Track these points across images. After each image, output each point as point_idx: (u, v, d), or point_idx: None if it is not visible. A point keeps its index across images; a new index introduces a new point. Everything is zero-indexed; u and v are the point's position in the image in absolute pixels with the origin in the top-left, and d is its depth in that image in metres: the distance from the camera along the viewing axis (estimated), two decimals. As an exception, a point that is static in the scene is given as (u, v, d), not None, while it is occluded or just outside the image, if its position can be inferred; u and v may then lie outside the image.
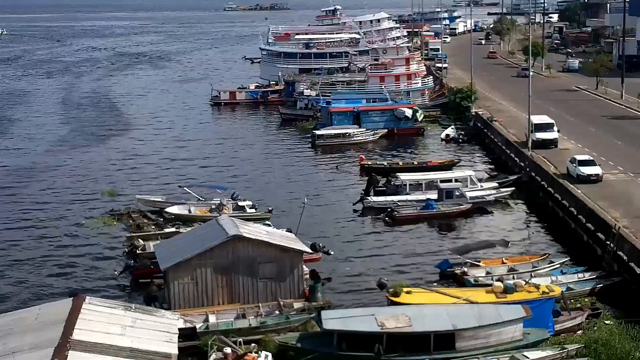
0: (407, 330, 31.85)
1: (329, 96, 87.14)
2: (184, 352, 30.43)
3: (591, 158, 54.48)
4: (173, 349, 27.02)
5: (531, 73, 68.77)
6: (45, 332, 26.93)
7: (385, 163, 65.89)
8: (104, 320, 28.10)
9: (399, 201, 53.29)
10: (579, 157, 54.40)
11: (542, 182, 54.19)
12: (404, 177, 55.93)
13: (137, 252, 43.75)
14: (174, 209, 52.76)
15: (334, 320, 32.52)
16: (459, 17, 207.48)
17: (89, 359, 24.82)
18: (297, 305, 36.58)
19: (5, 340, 27.13)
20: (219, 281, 36.12)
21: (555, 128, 63.86)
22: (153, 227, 50.71)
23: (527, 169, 58.01)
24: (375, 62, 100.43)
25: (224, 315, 35.68)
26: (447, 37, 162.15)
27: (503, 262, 42.60)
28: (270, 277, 36.61)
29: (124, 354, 25.73)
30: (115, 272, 43.29)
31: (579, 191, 49.36)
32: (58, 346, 25.33)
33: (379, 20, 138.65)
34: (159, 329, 28.50)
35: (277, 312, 36.05)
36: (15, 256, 46.85)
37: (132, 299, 37.43)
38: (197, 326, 34.42)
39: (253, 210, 52.15)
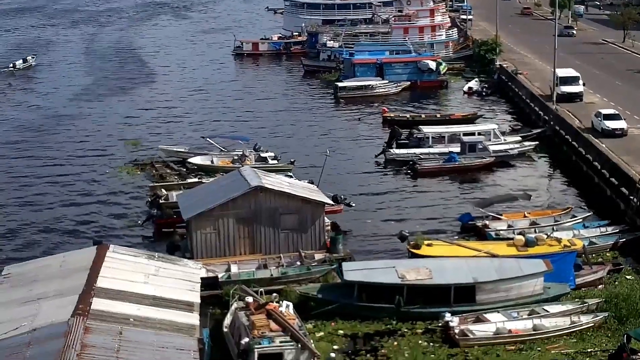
0: (427, 282, 31.86)
1: (352, 48, 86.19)
2: (206, 301, 30.61)
3: (616, 112, 53.72)
4: (196, 298, 27.21)
5: (557, 25, 67.25)
6: (70, 280, 27.19)
7: (408, 115, 65.31)
8: (127, 269, 28.30)
9: (421, 154, 52.91)
10: (604, 111, 53.61)
11: (566, 136, 53.55)
12: (427, 129, 55.50)
13: (160, 201, 43.91)
14: (196, 160, 52.80)
15: (355, 271, 32.57)
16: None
17: (112, 306, 25.04)
18: (318, 256, 36.63)
19: (30, 287, 27.45)
20: (240, 232, 36.20)
21: (580, 81, 62.82)
22: (176, 177, 50.87)
23: (551, 123, 57.29)
24: (399, 14, 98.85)
25: (245, 266, 35.84)
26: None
27: (525, 216, 42.32)
28: (292, 229, 36.62)
29: (147, 301, 25.94)
30: (139, 222, 43.55)
31: (603, 145, 48.75)
32: (82, 293, 25.60)
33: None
34: (182, 278, 28.68)
35: (298, 263, 36.13)
36: (40, 205, 47.25)
37: (155, 248, 37.62)
38: (219, 276, 34.64)
39: (275, 162, 52.04)
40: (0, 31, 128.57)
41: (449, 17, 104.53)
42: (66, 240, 41.87)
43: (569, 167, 50.94)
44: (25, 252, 38.91)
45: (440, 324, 31.03)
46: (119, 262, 28.81)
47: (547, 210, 43.31)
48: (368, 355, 29.50)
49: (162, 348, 23.19)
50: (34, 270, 29.21)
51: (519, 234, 37.87)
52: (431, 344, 30.12)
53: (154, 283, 27.60)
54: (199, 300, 27.18)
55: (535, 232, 38.70)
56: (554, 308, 31.83)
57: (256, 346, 25.82)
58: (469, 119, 62.32)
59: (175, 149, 54.87)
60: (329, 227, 38.91)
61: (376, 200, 46.85)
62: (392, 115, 64.48)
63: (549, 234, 37.50)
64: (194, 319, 25.64)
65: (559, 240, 36.10)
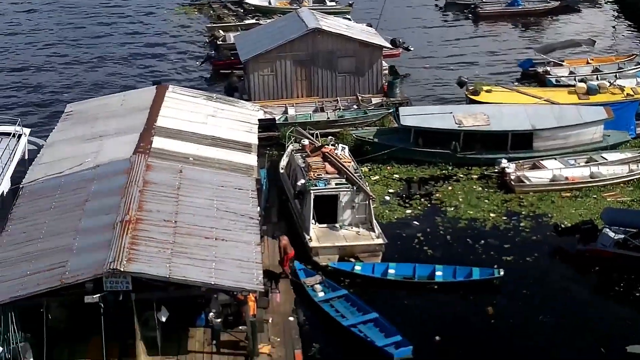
0: (484, 128, 31.36)
1: None
2: (264, 142, 30.68)
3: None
4: (253, 139, 27.18)
5: None
6: (130, 118, 27.28)
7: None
8: (186, 109, 28.25)
9: (483, -3, 51.04)
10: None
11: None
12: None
13: (218, 43, 43.43)
14: (254, 0, 51.67)
15: (412, 116, 32.13)
16: None
17: (172, 145, 25.17)
18: (375, 100, 36.14)
19: (92, 125, 27.65)
20: (298, 74, 35.72)
21: None
22: (233, 18, 50.06)
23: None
24: None
25: (302, 108, 35.58)
26: None
27: (588, 62, 40.80)
28: (349, 72, 35.98)
29: (206, 141, 25.99)
30: (197, 63, 43.29)
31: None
32: (143, 132, 25.67)
33: None
34: (240, 119, 28.57)
35: (355, 106, 35.75)
36: (98, 48, 47.19)
37: (213, 89, 37.52)
38: (276, 118, 34.60)
39: (333, 4, 50.70)
40: None
41: None
42: (125, 81, 41.99)
43: (637, 12, 48.43)
44: (87, 94, 39.16)
45: (496, 170, 30.75)
46: (178, 102, 28.71)
47: (611, 57, 41.63)
48: (422, 199, 29.59)
49: (221, 187, 23.35)
50: (95, 109, 29.32)
51: (581, 81, 36.89)
52: (486, 189, 30.02)
53: (213, 123, 27.55)
54: (256, 142, 27.10)
55: (597, 79, 37.41)
56: (612, 156, 31.12)
57: (312, 188, 25.89)
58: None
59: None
60: (387, 71, 38.13)
61: (435, 44, 45.63)
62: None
63: (611, 81, 36.24)
64: (251, 159, 25.66)
65: (621, 88, 35.01)
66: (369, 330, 21.72)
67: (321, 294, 23.41)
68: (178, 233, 20.47)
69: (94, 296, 18.64)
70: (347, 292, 23.40)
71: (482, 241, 26.54)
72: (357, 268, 24.68)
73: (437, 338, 21.58)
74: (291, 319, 21.88)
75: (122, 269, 18.31)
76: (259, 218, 22.68)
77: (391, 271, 24.45)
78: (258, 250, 20.68)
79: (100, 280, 18.54)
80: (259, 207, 23.23)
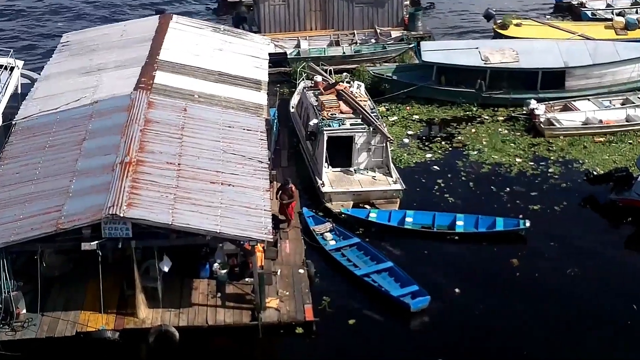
0: (513, 65, 30.84)
1: None
2: (274, 79, 30.42)
3: None
4: (263, 75, 26.73)
5: None
6: (131, 51, 26.85)
7: None
8: (191, 41, 27.74)
9: None
10: None
11: None
12: None
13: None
14: None
15: (434, 52, 31.60)
16: None
17: (176, 81, 24.82)
18: (395, 34, 35.48)
19: (90, 57, 27.25)
20: (312, 4, 35.09)
21: None
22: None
23: None
24: None
25: (316, 42, 35.06)
26: None
27: (627, -7, 39.93)
28: (367, 2, 35.35)
29: (213, 77, 25.60)
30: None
31: None
32: (145, 65, 25.32)
33: None
34: (249, 54, 28.09)
35: (373, 40, 35.14)
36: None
37: (220, 20, 36.86)
38: (288, 52, 34.06)
39: None
40: None
41: None
42: (126, 10, 41.28)
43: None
44: (85, 24, 38.51)
45: (524, 112, 30.39)
46: (183, 33, 28.21)
47: (653, -11, 40.62)
48: (444, 142, 29.34)
49: (228, 127, 23.07)
50: (93, 39, 28.85)
51: (619, 14, 36.04)
52: (512, 132, 29.73)
53: (220, 58, 27.09)
54: (266, 78, 26.72)
55: (637, 12, 36.59)
56: (650, 97, 30.54)
57: (325, 128, 25.60)
58: None
59: None
60: (408, 2, 37.34)
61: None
62: None
63: (653, 16, 35.54)
64: (261, 97, 25.30)
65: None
66: (383, 280, 21.64)
67: (332, 243, 23.33)
68: (182, 177, 20.31)
69: (92, 243, 18.52)
70: (360, 240, 23.35)
71: (507, 189, 26.31)
72: (373, 215, 24.56)
73: (457, 290, 21.47)
74: (301, 271, 21.69)
75: (121, 215, 18.19)
76: (268, 162, 22.48)
77: (409, 219, 24.33)
78: (267, 196, 20.51)
79: (98, 226, 18.41)
80: (268, 150, 23.04)
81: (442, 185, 26.64)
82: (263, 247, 20.69)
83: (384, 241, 23.58)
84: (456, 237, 23.77)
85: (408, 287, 21.15)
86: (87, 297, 20.09)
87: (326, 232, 23.72)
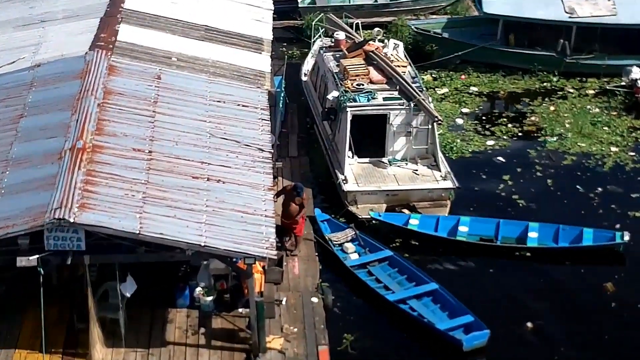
0: (608, 20, 30.97)
1: None
2: (280, 36, 30.77)
3: None
4: (266, 32, 26.75)
5: None
6: (88, -4, 26.98)
7: None
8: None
9: None
10: None
11: None
12: None
13: None
14: None
15: (501, 1, 31.75)
16: None
17: (148, 38, 24.83)
18: (446, -25, 35.61)
19: (31, 3, 27.29)
20: None
21: None
22: None
23: None
24: None
25: (338, -15, 35.25)
26: None
27: None
28: None
29: (197, 34, 25.46)
30: None
31: None
32: (104, 16, 25.36)
33: None
34: (247, 2, 28.13)
35: (415, -17, 35.22)
36: None
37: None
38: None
39: None
40: None
41: None
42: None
43: None
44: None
45: (623, 83, 30.51)
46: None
47: None
48: (511, 124, 29.48)
49: (218, 102, 23.05)
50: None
51: None
52: (606, 111, 29.85)
53: (207, 7, 27.11)
54: (270, 36, 26.71)
55: None
56: None
57: (349, 104, 25.60)
58: None
59: None
60: None
61: None
62: None
63: None
64: (263, 62, 25.28)
65: None
66: (425, 309, 21.73)
67: (354, 257, 23.50)
68: (154, 169, 20.26)
69: (31, 258, 18.43)
70: (393, 253, 23.45)
71: (599, 188, 26.43)
72: (414, 222, 24.69)
73: (529, 325, 21.50)
74: (314, 300, 21.76)
75: (71, 219, 18.08)
76: (272, 150, 22.39)
77: (463, 229, 24.44)
78: (269, 197, 20.44)
79: (40, 234, 18.30)
80: (271, 134, 23.00)
81: (509, 183, 26.74)
82: (263, 267, 20.67)
83: (427, 257, 23.74)
84: (528, 254, 23.83)
85: (460, 317, 21.22)
86: (23, 332, 20.08)
87: (346, 241, 23.85)
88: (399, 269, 22.94)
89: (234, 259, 19.34)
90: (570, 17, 30.94)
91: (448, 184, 25.44)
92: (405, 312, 21.55)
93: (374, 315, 21.93)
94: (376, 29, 30.66)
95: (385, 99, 26.08)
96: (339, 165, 25.80)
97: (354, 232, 24.04)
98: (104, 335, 19.64)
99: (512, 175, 26.97)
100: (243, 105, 23.25)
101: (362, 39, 28.67)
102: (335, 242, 23.76)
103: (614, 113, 29.60)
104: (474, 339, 20.54)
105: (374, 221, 24.73)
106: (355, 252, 23.58)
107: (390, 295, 22.00)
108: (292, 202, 23.19)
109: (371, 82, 26.54)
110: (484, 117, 29.77)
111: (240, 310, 20.86)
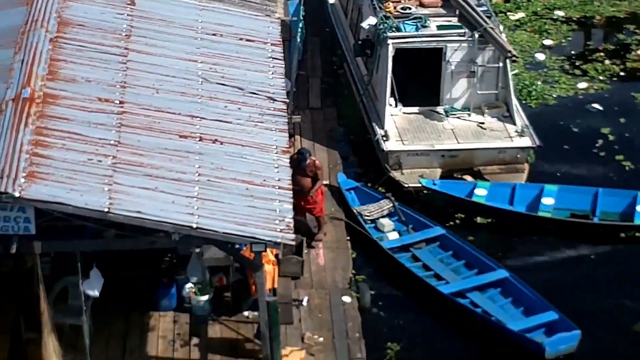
0: None
1: None
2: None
3: None
4: (277, -64, 26.64)
5: None
6: None
7: None
8: None
9: None
10: None
11: None
12: None
13: None
14: None
15: None
16: None
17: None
18: None
19: None
20: None
21: None
22: None
23: None
24: None
25: None
26: None
27: None
28: None
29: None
30: None
31: None
32: None
33: None
34: None
35: None
36: None
37: None
38: None
39: None
40: None
41: None
42: None
43: None
44: None
45: None
46: None
47: None
48: (611, 60, 29.81)
49: (213, 35, 23.05)
50: None
51: None
52: None
53: None
54: (283, -58, 26.62)
55: None
56: None
57: (390, 34, 25.73)
58: None
59: None
60: None
61: None
62: None
63: None
64: (273, -21, 25.28)
65: None
66: (492, 304, 22.00)
67: (393, 236, 23.77)
68: (127, 125, 20.23)
69: (-35, 245, 18.75)
70: (446, 231, 23.72)
71: None
72: (480, 193, 24.98)
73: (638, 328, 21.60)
74: (347, 299, 21.92)
75: (16, 194, 17.98)
76: (287, 99, 22.32)
77: (548, 201, 24.62)
78: (284, 162, 20.39)
79: (-24, 215, 18.61)
80: (286, 78, 23.06)
81: (610, 139, 26.98)
82: (277, 256, 20.84)
83: (498, 239, 24.08)
84: (637, 234, 23.95)
85: (540, 314, 21.45)
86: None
87: (382, 216, 24.10)
88: (455, 252, 23.29)
89: (237, 246, 19.29)
90: None
91: (526, 141, 25.62)
92: (466, 309, 21.76)
93: (427, 316, 22.10)
94: None
95: (440, 27, 26.35)
96: (377, 117, 25.96)
97: (391, 204, 24.33)
98: (61, 348, 19.56)
99: (613, 129, 27.16)
100: (247, 40, 23.25)
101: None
102: (367, 218, 24.02)
103: None
104: (560, 342, 20.73)
105: (425, 191, 24.95)
106: (394, 230, 23.94)
107: (443, 287, 22.24)
108: (302, 174, 23.08)
109: (421, 4, 26.82)
110: (573, 52, 30.15)
111: (245, 313, 21.07)
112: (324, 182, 24.22)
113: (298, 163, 23.02)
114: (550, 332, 20.84)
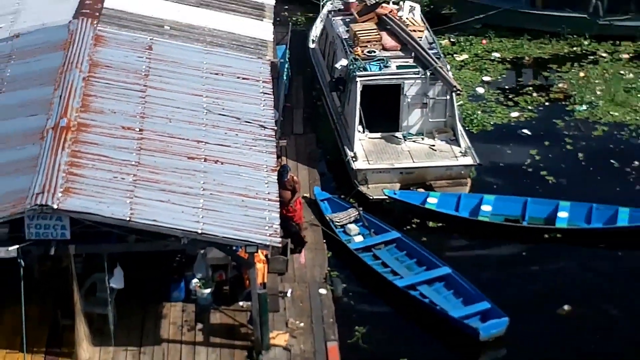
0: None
1: None
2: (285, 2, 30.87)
3: None
4: (268, -5, 26.72)
5: None
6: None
7: None
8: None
9: None
10: None
11: None
12: None
13: None
14: None
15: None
16: None
17: (137, 4, 24.82)
18: None
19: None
20: None
21: None
22: None
23: None
24: None
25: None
26: None
27: None
28: None
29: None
30: None
31: None
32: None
33: None
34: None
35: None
36: None
37: None
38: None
39: None
40: None
41: None
42: None
43: None
44: None
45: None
46: None
47: None
48: (537, 93, 29.42)
49: (215, 75, 22.94)
50: None
51: None
52: (642, 76, 29.89)
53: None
54: (273, 0, 26.66)
55: None
56: None
57: (359, 73, 25.54)
58: None
59: None
60: None
61: None
62: None
63: None
64: (264, 29, 25.34)
65: None
66: (437, 295, 21.76)
67: (358, 239, 23.54)
68: (145, 149, 20.19)
69: (10, 248, 18.36)
70: (401, 235, 23.49)
71: (635, 162, 26.40)
72: (432, 201, 24.71)
73: (566, 307, 21.48)
74: (323, 291, 21.76)
75: (55, 206, 17.95)
76: (275, 127, 22.39)
77: (486, 208, 24.44)
78: (273, 179, 20.40)
79: (20, 222, 18.22)
80: (275, 109, 23.02)
81: (537, 158, 26.71)
82: (266, 256, 20.64)
83: (446, 240, 23.87)
84: (558, 235, 23.81)
85: (476, 304, 21.25)
86: (3, 330, 20.04)
87: (349, 222, 23.88)
88: (408, 252, 23.02)
89: (234, 248, 19.22)
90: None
91: (468, 160, 25.36)
92: (416, 299, 21.55)
93: (386, 304, 21.98)
94: (390, -12, 30.52)
95: (399, 67, 26.05)
96: (348, 141, 25.74)
97: (357, 212, 24.10)
98: (91, 332, 19.57)
99: (539, 150, 26.89)
100: (243, 78, 23.25)
101: (374, 1, 28.50)
102: (336, 223, 23.78)
103: (653, 79, 29.69)
104: (491, 328, 20.53)
105: (387, 201, 24.71)
106: (359, 234, 23.65)
107: (398, 281, 22.06)
108: (283, 187, 22.75)
109: (384, 48, 26.51)
110: (507, 86, 29.78)
111: (241, 303, 20.86)
112: (303, 194, 24.13)
113: (279, 178, 22.92)
114: (484, 319, 20.69)
